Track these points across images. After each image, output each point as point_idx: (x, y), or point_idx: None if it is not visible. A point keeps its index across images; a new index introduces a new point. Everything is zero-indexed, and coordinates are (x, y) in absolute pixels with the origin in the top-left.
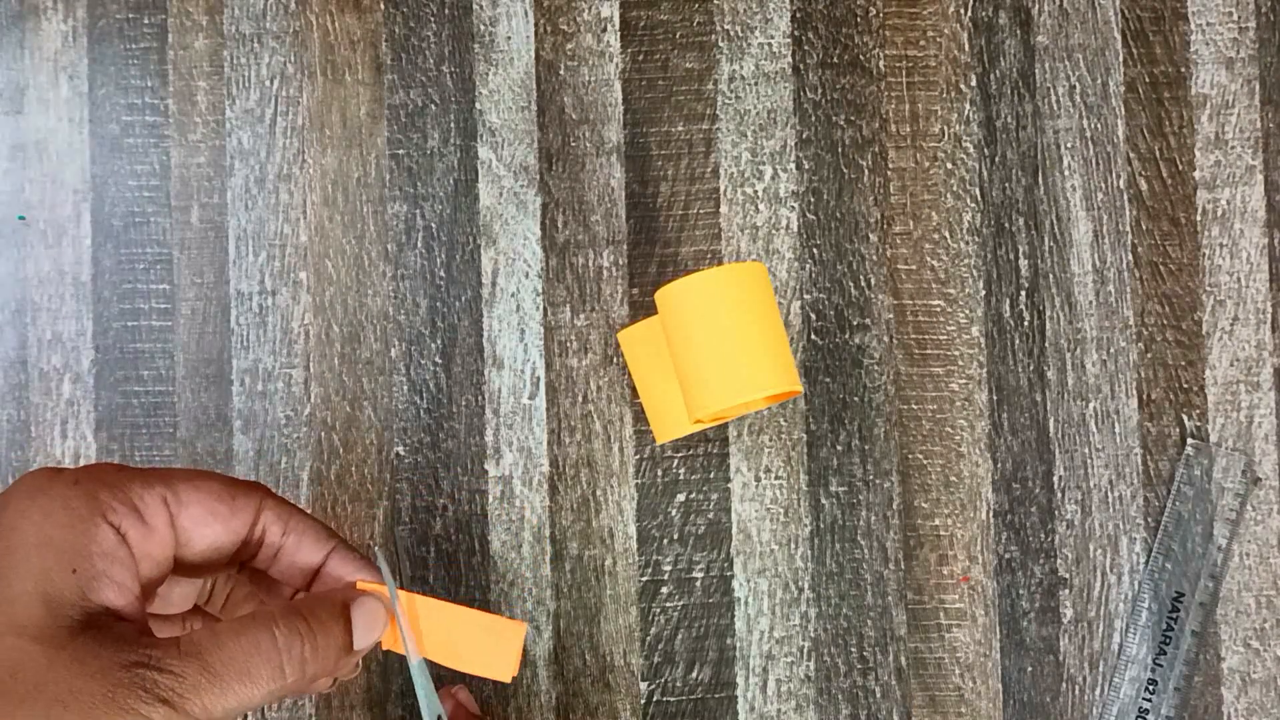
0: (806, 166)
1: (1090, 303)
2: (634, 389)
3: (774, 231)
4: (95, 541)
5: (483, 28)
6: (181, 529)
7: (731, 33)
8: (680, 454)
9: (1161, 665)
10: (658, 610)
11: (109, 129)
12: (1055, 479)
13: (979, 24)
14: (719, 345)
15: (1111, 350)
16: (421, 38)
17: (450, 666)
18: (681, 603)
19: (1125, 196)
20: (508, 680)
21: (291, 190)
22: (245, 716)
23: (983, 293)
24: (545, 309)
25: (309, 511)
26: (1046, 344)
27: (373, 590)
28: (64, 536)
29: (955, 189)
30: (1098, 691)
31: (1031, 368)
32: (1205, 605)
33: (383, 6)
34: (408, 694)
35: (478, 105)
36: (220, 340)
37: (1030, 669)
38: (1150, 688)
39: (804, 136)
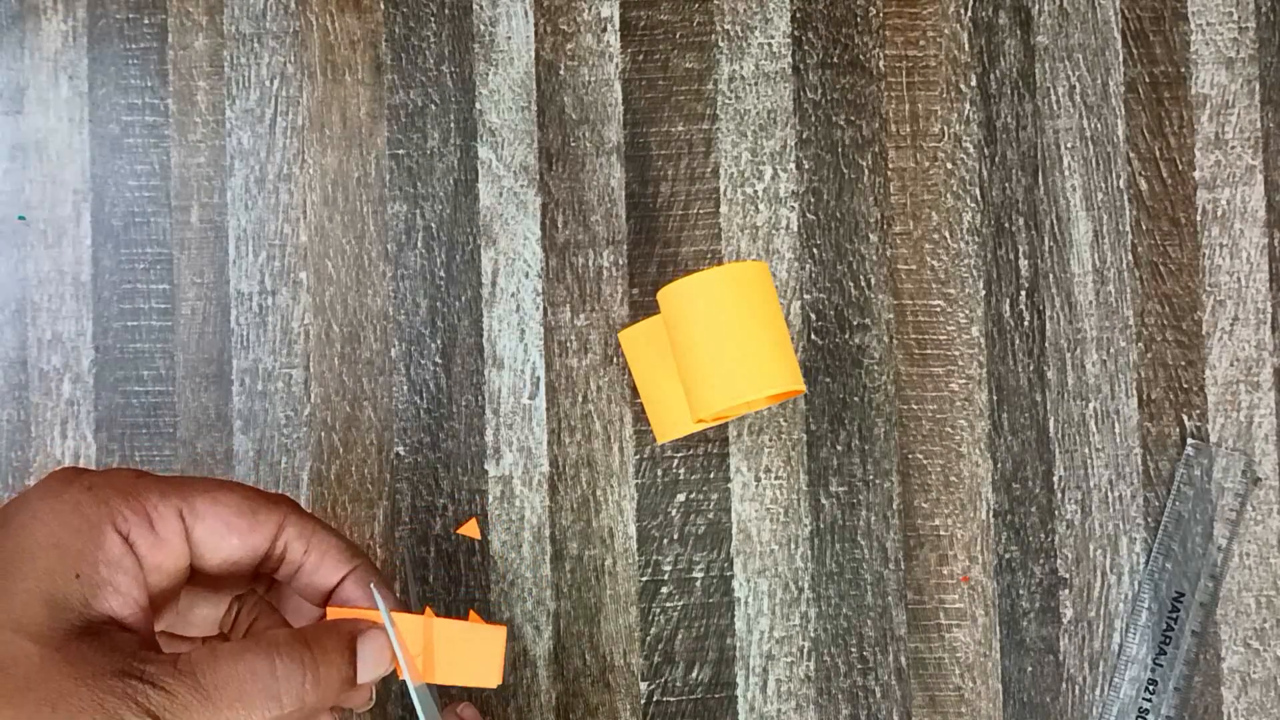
0: (806, 166)
1: (1090, 303)
2: (634, 389)
3: (774, 231)
4: (101, 549)
5: (483, 28)
6: (196, 542)
7: (731, 33)
8: (680, 454)
9: (1161, 665)
10: (658, 610)
11: (109, 129)
12: (1055, 479)
13: (979, 24)
14: (722, 344)
15: (1111, 350)
16: (421, 38)
17: (437, 682)
18: (681, 603)
19: (1125, 196)
20: (494, 685)
21: (291, 190)
22: None
23: (983, 293)
24: (545, 309)
25: (333, 526)
26: (1046, 344)
27: (375, 621)
28: (71, 541)
29: (955, 189)
30: (1098, 691)
31: (1031, 368)
32: (1205, 605)
33: (383, 6)
34: (407, 694)
35: (478, 105)
36: (220, 340)
37: (1030, 669)
38: (1150, 688)
39: (804, 136)
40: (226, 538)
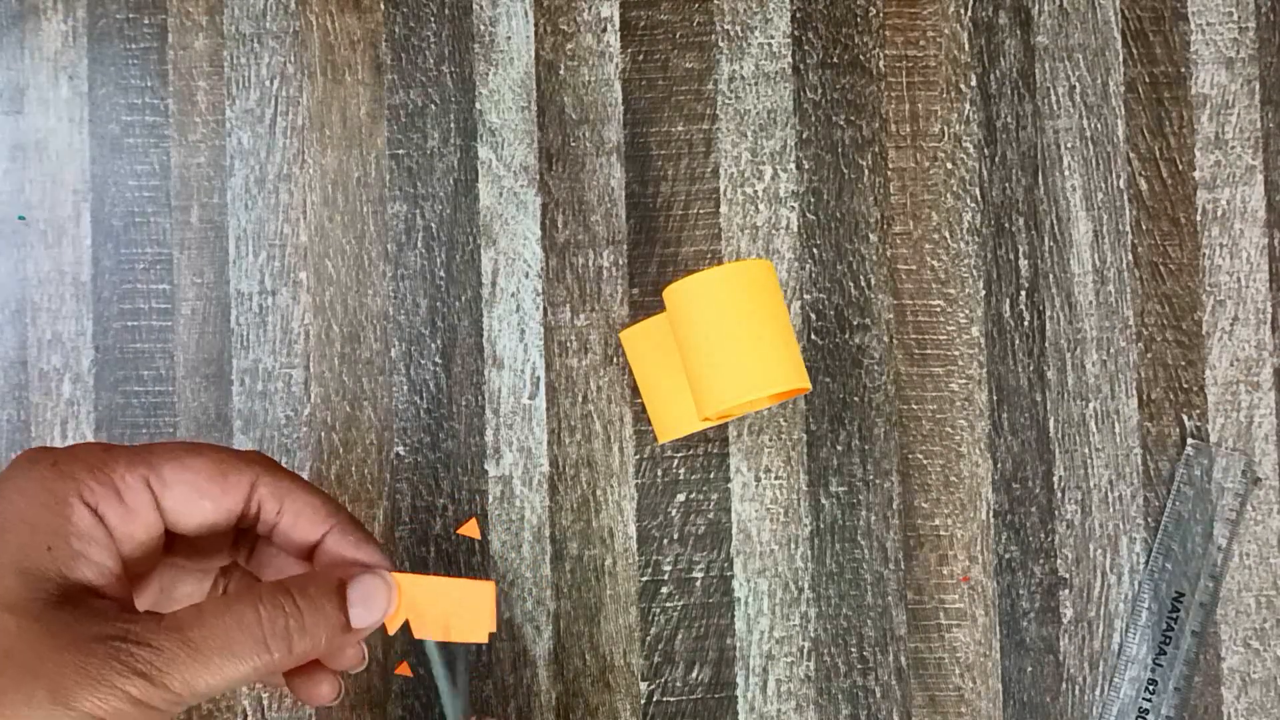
0: (806, 166)
1: (1090, 303)
2: (634, 389)
3: (774, 231)
4: (70, 522)
5: (483, 28)
6: (168, 509)
7: (731, 33)
8: (680, 454)
9: (1161, 665)
10: (658, 610)
11: (109, 129)
12: (1055, 479)
13: (979, 24)
14: (728, 342)
15: (1111, 350)
16: (421, 38)
17: (429, 637)
18: (681, 603)
19: (1125, 196)
20: (484, 640)
21: (291, 190)
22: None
23: (983, 293)
24: (545, 309)
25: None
26: (1046, 344)
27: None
28: (39, 516)
29: (955, 189)
30: (1098, 691)
31: (1031, 368)
32: (1205, 605)
33: (383, 6)
34: (407, 694)
35: (478, 105)
36: (220, 340)
37: (1030, 669)
38: (1150, 688)
39: (804, 136)
40: (198, 502)
